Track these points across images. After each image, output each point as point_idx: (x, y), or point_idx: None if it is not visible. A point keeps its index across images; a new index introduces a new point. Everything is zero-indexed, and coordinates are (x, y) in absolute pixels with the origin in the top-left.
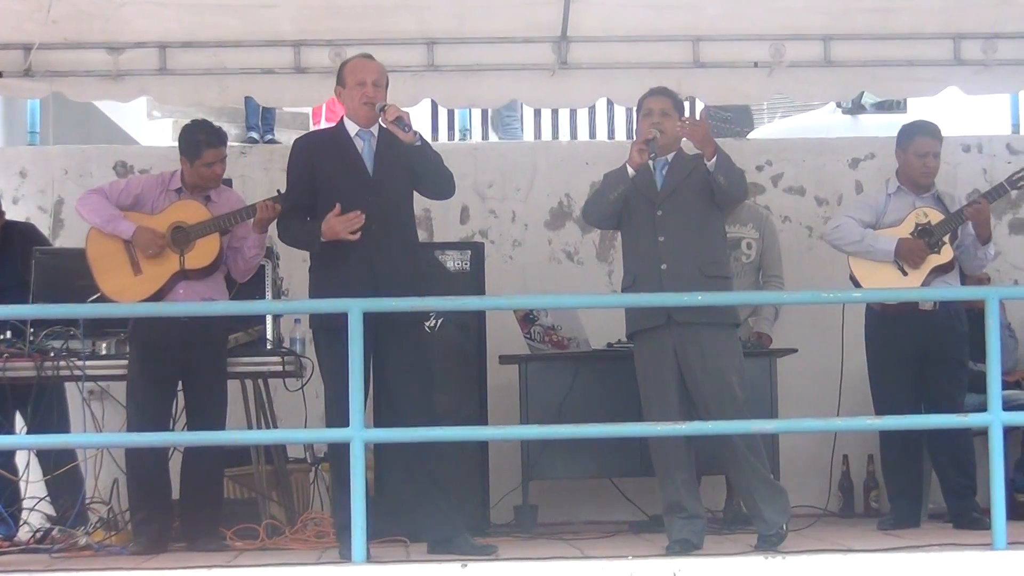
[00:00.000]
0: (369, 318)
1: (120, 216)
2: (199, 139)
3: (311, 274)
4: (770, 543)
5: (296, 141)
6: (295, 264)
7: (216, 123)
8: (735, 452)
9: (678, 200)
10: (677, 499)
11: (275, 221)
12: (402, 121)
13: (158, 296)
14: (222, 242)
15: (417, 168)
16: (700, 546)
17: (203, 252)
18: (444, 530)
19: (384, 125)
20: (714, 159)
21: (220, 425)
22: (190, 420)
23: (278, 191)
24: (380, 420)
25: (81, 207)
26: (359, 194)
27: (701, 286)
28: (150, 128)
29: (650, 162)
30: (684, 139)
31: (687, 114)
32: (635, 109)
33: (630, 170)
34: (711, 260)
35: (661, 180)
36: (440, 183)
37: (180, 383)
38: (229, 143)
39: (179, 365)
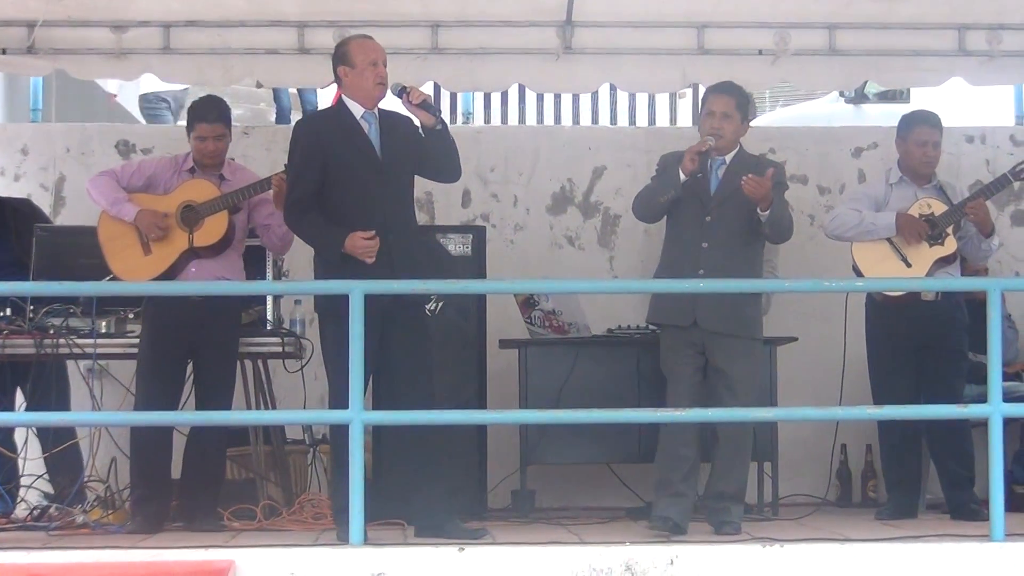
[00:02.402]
0: (378, 303)
1: (125, 199)
2: (195, 113)
3: (316, 258)
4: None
5: (299, 124)
6: (296, 245)
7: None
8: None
9: (729, 208)
10: (670, 476)
11: (289, 206)
12: (428, 103)
13: (169, 275)
14: (232, 219)
15: (433, 151)
16: (684, 528)
17: (211, 230)
18: (434, 516)
19: (407, 108)
20: (767, 212)
21: (227, 405)
22: (199, 399)
23: (285, 165)
24: (380, 403)
25: (91, 188)
26: (369, 178)
27: (732, 300)
28: None
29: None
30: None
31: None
32: (700, 103)
33: (682, 176)
34: (750, 274)
35: (716, 182)
36: (451, 167)
37: (191, 362)
38: (233, 123)
39: (190, 344)
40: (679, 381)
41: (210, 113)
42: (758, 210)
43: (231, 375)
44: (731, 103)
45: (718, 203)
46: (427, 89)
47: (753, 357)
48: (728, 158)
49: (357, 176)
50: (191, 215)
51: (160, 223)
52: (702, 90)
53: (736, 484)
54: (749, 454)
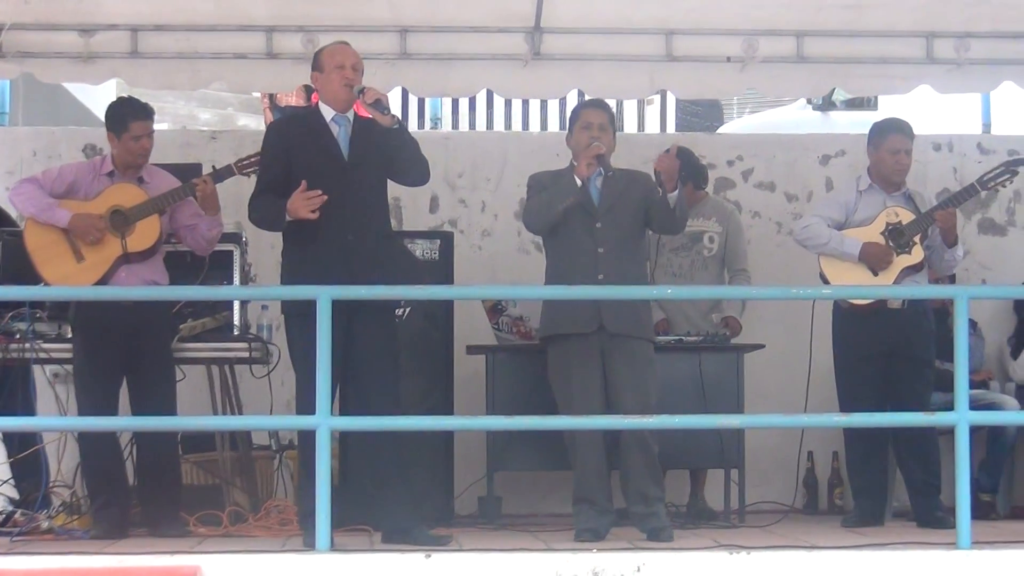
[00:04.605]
0: (342, 305)
1: (55, 204)
2: (125, 112)
3: (283, 258)
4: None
5: (270, 124)
6: (263, 250)
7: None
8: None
9: (616, 214)
10: (589, 494)
11: (250, 202)
12: (381, 103)
13: (102, 282)
14: (162, 223)
15: (393, 152)
16: (604, 536)
17: (144, 234)
18: (401, 521)
19: (364, 107)
20: (675, 193)
21: (170, 410)
22: (136, 404)
23: (213, 167)
24: (346, 408)
25: (14, 197)
26: (333, 178)
27: (632, 304)
28: None
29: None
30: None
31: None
32: (569, 117)
33: (578, 181)
34: (640, 275)
35: (596, 193)
36: (416, 168)
37: (126, 368)
38: (200, 128)
39: (123, 350)
40: (586, 390)
41: (142, 110)
42: (665, 192)
43: (171, 378)
44: (606, 117)
45: (605, 210)
46: (395, 94)
47: (652, 359)
48: (602, 170)
49: (321, 177)
50: (121, 220)
51: (97, 225)
52: (671, 96)
53: (657, 485)
54: (656, 455)
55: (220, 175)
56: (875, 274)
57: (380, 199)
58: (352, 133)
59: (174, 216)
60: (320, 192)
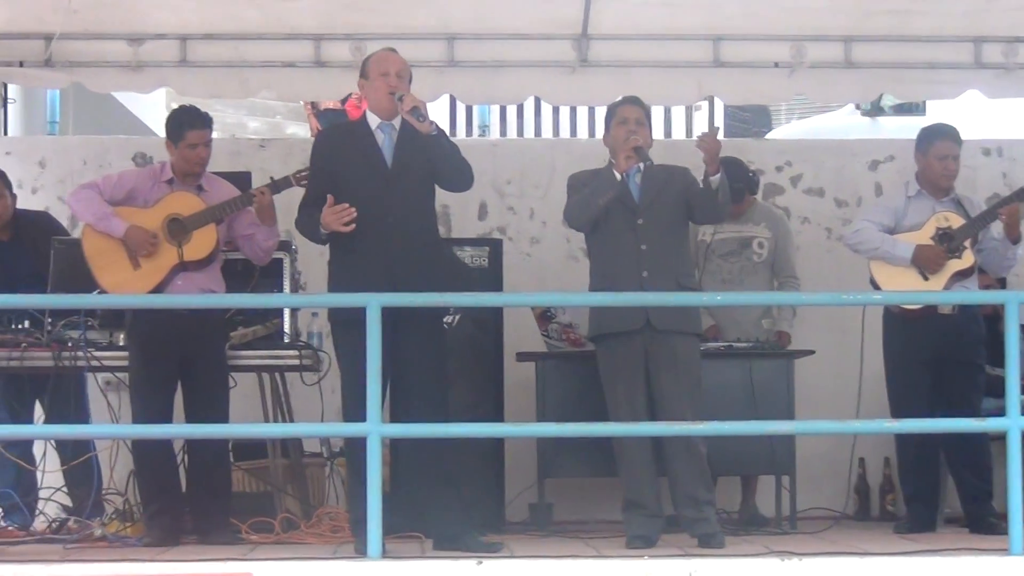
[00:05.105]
0: (387, 312)
1: (111, 214)
2: (182, 120)
3: (329, 266)
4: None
5: (318, 134)
6: (313, 258)
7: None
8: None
9: (658, 210)
10: (640, 499)
11: (298, 211)
12: (418, 111)
13: (158, 289)
14: (219, 232)
15: (434, 159)
16: (655, 543)
17: (201, 243)
18: (451, 527)
19: (401, 115)
20: (718, 176)
21: (223, 417)
22: (191, 412)
23: (271, 178)
24: (396, 415)
25: (73, 202)
26: (377, 186)
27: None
28: None
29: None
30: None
31: (711, 124)
32: (605, 116)
33: (617, 175)
34: (685, 271)
35: (636, 188)
36: (457, 174)
37: (180, 375)
38: (249, 136)
39: (179, 358)
40: (632, 397)
41: (199, 119)
42: (708, 176)
43: (224, 385)
44: (641, 113)
45: (646, 206)
46: (443, 102)
47: (698, 356)
48: (642, 166)
49: (365, 185)
50: (178, 228)
51: (151, 240)
52: (719, 103)
53: (706, 488)
54: (704, 457)
55: (278, 186)
56: (925, 279)
57: (425, 206)
58: (397, 141)
59: (232, 225)
60: (347, 205)
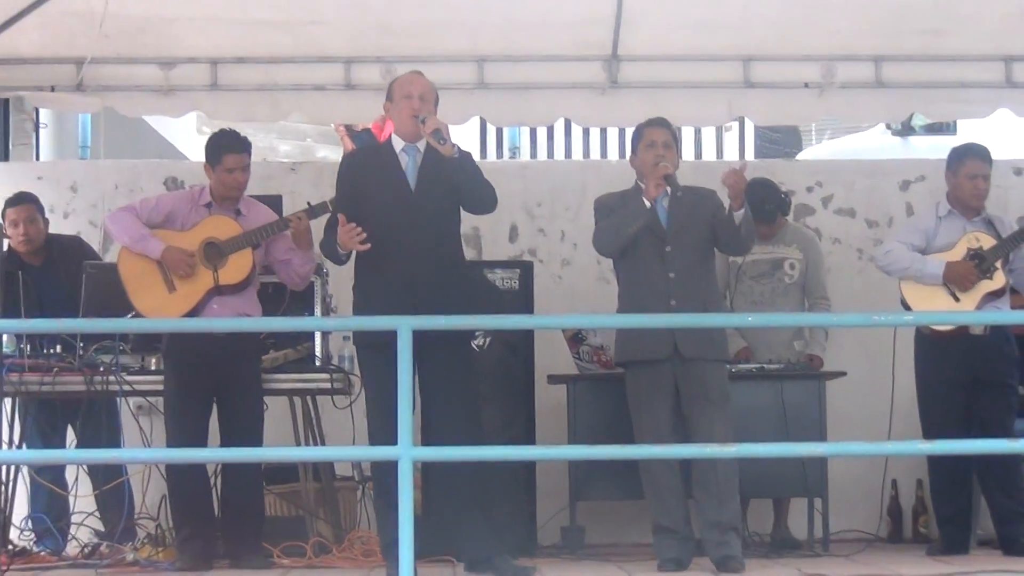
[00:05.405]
0: (413, 335)
1: (149, 235)
2: (221, 144)
3: (353, 290)
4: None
5: (344, 157)
6: (344, 281)
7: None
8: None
9: (685, 236)
10: (670, 523)
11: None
12: (439, 133)
13: (193, 313)
14: (255, 257)
15: (457, 181)
16: (687, 566)
17: (237, 268)
18: (483, 550)
19: (424, 136)
20: (742, 211)
21: (257, 440)
22: (226, 436)
23: (308, 203)
24: (428, 438)
25: (111, 224)
26: (400, 209)
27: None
28: (200, 143)
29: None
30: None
31: (741, 154)
32: (632, 137)
33: (646, 203)
34: (713, 298)
35: (664, 214)
36: (480, 197)
37: (215, 399)
38: (280, 159)
39: (214, 381)
40: (657, 427)
41: (237, 144)
42: (731, 210)
43: (258, 409)
44: (669, 135)
45: (674, 233)
46: (473, 124)
47: (726, 383)
48: (668, 190)
49: (389, 207)
50: (214, 252)
51: (188, 261)
52: (749, 123)
53: (732, 514)
54: (737, 483)
55: (315, 211)
56: (957, 299)
57: (450, 229)
58: (421, 163)
59: (269, 250)
60: (355, 225)
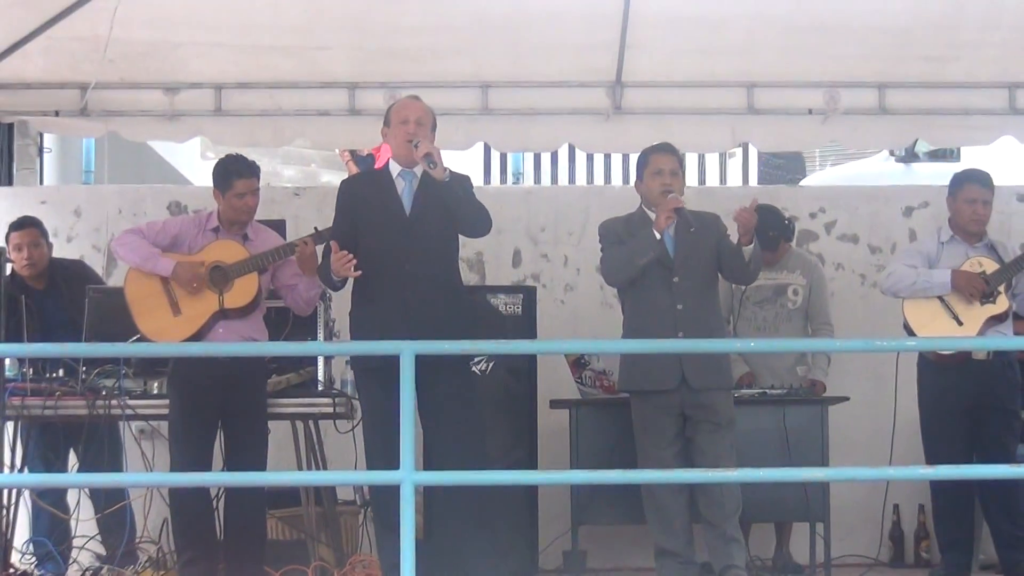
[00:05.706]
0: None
1: (158, 254)
2: (230, 169)
3: (350, 316)
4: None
5: (343, 182)
6: (346, 305)
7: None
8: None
9: (692, 266)
10: (673, 547)
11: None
12: (430, 157)
13: (198, 336)
14: (260, 281)
15: (449, 205)
16: None
17: (242, 291)
18: (485, 574)
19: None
20: (751, 247)
21: (261, 465)
22: (230, 460)
23: (315, 228)
24: (428, 463)
25: (118, 247)
26: (396, 234)
27: (715, 356)
28: (204, 168)
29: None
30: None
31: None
32: (638, 162)
33: (656, 235)
34: (718, 326)
35: (670, 243)
36: (473, 219)
37: (220, 423)
38: (284, 184)
39: (219, 405)
40: (664, 445)
41: (246, 168)
42: (741, 244)
43: (262, 433)
44: (676, 162)
45: (681, 262)
46: (477, 149)
47: (732, 412)
48: (679, 222)
49: (384, 232)
50: (220, 276)
51: (199, 272)
52: (752, 149)
53: (735, 527)
54: (740, 497)
55: (322, 236)
56: (960, 323)
57: (446, 253)
58: (417, 188)
59: (276, 275)
60: (346, 252)
